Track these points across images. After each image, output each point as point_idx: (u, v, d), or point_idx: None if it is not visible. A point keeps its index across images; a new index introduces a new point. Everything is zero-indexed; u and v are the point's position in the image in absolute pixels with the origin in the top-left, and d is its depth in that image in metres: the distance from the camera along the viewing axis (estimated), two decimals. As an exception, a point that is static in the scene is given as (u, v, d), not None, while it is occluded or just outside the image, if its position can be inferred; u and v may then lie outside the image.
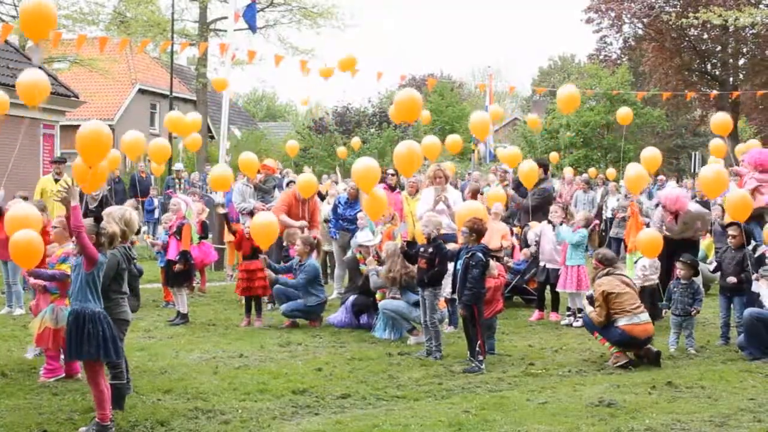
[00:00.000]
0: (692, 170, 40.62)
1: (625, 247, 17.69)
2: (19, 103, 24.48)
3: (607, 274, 10.58)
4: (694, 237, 13.64)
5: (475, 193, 15.88)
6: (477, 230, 10.24)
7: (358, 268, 13.37)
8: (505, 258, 14.00)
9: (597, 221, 14.17)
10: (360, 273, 13.22)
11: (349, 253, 14.55)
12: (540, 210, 15.14)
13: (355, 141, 27.03)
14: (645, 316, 10.39)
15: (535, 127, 30.67)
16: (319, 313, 12.90)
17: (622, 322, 10.25)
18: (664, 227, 13.21)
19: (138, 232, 8.98)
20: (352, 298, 12.81)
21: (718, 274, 12.04)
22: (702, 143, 55.86)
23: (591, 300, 10.65)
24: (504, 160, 17.15)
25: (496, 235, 13.68)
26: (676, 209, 13.21)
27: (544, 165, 16.82)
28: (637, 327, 10.23)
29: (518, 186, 16.57)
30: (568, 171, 26.19)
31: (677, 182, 31.61)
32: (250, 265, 12.93)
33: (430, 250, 10.67)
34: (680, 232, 13.15)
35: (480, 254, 10.04)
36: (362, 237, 13.58)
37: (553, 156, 35.98)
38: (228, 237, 16.18)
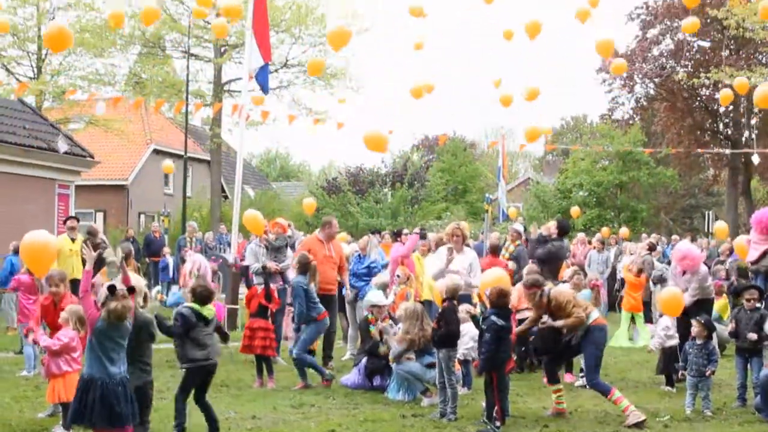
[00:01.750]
0: (705, 230, 40.58)
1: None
2: (35, 163, 24.78)
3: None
4: (708, 296, 13.57)
5: (495, 250, 15.83)
6: (498, 300, 10.21)
7: (369, 330, 13.28)
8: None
9: (599, 282, 14.16)
10: (370, 335, 13.08)
11: (370, 293, 14.34)
12: (548, 265, 15.07)
13: (307, 202, 26.54)
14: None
15: (514, 217, 30.80)
16: (320, 330, 12.85)
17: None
18: (677, 285, 13.16)
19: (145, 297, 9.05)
20: (365, 360, 12.73)
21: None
22: (715, 203, 55.89)
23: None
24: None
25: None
26: (690, 266, 13.16)
27: (562, 228, 16.73)
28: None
29: (536, 243, 16.56)
30: (580, 235, 26.17)
31: (692, 241, 31.56)
32: (253, 323, 12.86)
33: (440, 310, 10.66)
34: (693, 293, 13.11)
35: (494, 318, 9.98)
36: (375, 297, 13.48)
37: (575, 211, 35.98)
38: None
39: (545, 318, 10.59)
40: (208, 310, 9.37)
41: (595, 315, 10.84)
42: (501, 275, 12.41)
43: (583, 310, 10.62)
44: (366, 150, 11.87)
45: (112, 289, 7.67)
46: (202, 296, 9.40)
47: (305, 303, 12.66)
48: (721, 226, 24.32)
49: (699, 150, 40.71)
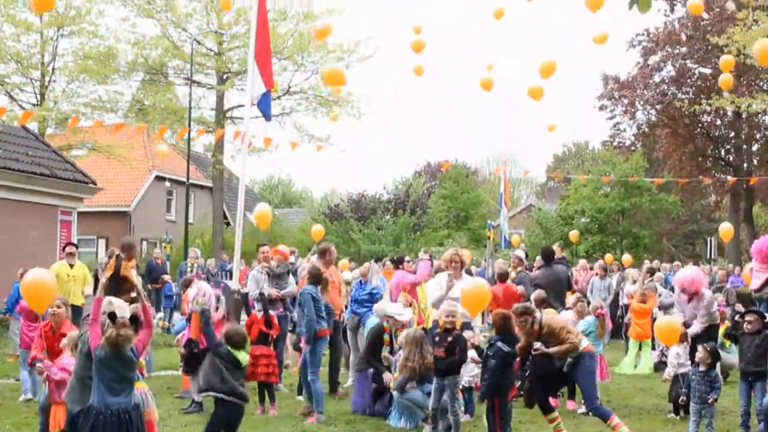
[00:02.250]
0: (708, 256, 40.45)
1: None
2: (37, 190, 24.80)
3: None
4: (714, 321, 13.57)
5: (504, 277, 15.75)
6: (502, 325, 10.18)
7: (381, 339, 13.08)
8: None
9: (603, 310, 14.11)
10: (383, 343, 12.91)
11: (372, 320, 14.20)
12: (552, 289, 15.04)
13: (316, 228, 26.36)
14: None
15: (516, 244, 30.81)
16: (321, 349, 12.76)
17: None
18: (683, 313, 13.15)
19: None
20: (372, 382, 12.63)
21: (737, 359, 11.95)
22: (717, 229, 55.82)
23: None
24: None
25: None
26: (693, 290, 13.14)
27: (544, 256, 16.70)
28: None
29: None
30: (582, 261, 26.16)
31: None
32: (255, 350, 12.65)
33: (449, 338, 10.61)
34: (693, 316, 13.10)
35: (500, 344, 9.94)
36: (393, 308, 13.33)
37: (573, 235, 35.90)
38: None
39: (538, 344, 10.55)
40: (243, 357, 9.44)
41: (585, 342, 10.83)
42: (481, 286, 12.32)
43: (575, 336, 10.62)
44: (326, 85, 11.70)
45: (112, 316, 7.67)
46: (236, 341, 9.47)
47: (313, 310, 12.46)
48: (725, 228, 24.11)
49: (701, 177, 40.67)
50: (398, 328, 12.75)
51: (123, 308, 8.31)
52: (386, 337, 12.90)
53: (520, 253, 20.12)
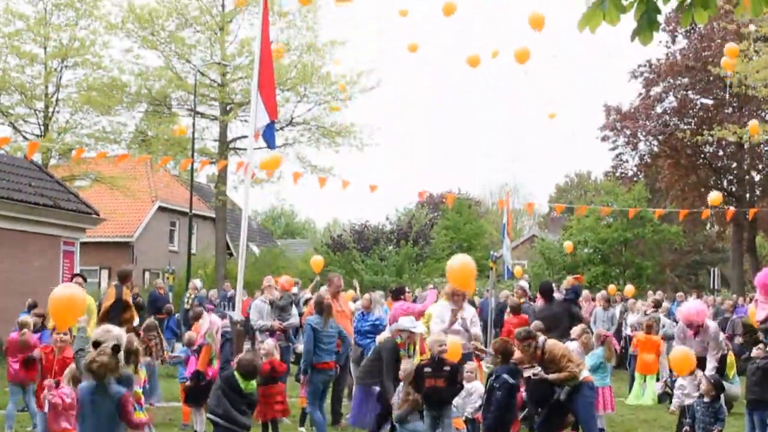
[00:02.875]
0: (711, 286, 40.44)
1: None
2: (40, 221, 24.81)
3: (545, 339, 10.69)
4: (723, 351, 13.53)
5: (516, 310, 15.65)
6: (503, 351, 10.14)
7: (398, 357, 12.41)
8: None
9: (609, 334, 14.03)
10: (399, 359, 12.70)
11: (384, 335, 14.00)
12: (551, 325, 14.96)
13: (315, 259, 26.05)
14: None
15: (519, 275, 30.73)
16: (322, 380, 12.67)
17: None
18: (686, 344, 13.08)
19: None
20: (377, 393, 12.53)
21: (739, 389, 11.93)
22: (720, 259, 55.82)
23: None
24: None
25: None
26: (696, 323, 13.10)
27: (541, 292, 16.55)
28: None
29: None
30: (585, 292, 26.06)
31: (697, 298, 31.43)
32: (268, 389, 12.26)
33: (447, 368, 10.54)
34: (701, 349, 13.03)
35: (506, 376, 9.88)
36: (406, 321, 13.13)
37: (568, 245, 35.80)
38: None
39: (537, 369, 10.51)
40: (250, 386, 9.43)
41: (585, 373, 10.79)
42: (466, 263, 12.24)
43: (576, 366, 10.58)
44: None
45: (95, 344, 7.60)
46: (245, 370, 9.47)
47: (311, 342, 12.48)
48: (713, 196, 23.86)
49: (703, 208, 40.64)
50: (412, 342, 12.63)
51: (120, 336, 8.28)
52: (402, 353, 12.82)
53: (524, 284, 20.09)
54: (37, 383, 10.58)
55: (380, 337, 13.81)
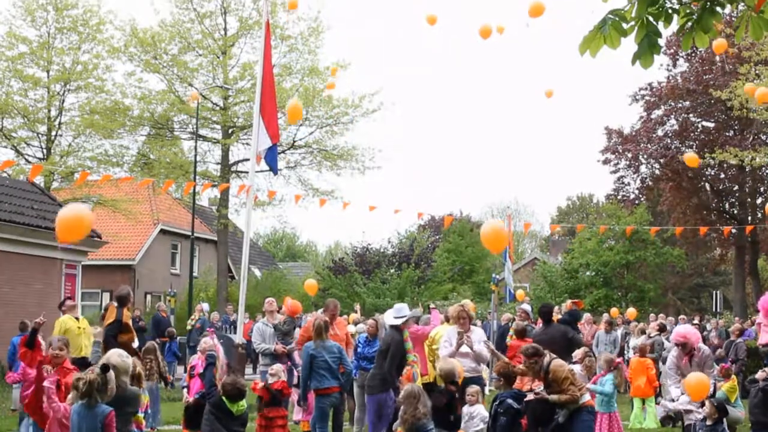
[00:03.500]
0: (713, 309, 40.32)
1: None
2: (42, 244, 24.81)
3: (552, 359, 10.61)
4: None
5: (521, 334, 15.52)
6: (505, 375, 10.11)
7: (404, 350, 12.83)
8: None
9: (620, 359, 14.00)
10: (405, 352, 12.74)
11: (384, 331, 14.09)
12: (556, 345, 14.90)
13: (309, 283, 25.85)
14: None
15: (521, 298, 30.69)
16: (321, 406, 12.57)
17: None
18: (682, 376, 13.00)
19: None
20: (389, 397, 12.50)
21: (742, 413, 11.91)
22: (723, 282, 55.76)
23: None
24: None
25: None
26: (695, 341, 13.03)
27: (541, 315, 16.43)
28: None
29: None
30: (586, 315, 26.02)
31: (700, 321, 31.42)
32: (270, 412, 12.22)
33: (447, 393, 10.54)
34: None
35: (509, 401, 9.84)
36: (389, 317, 13.34)
37: (520, 294, 35.82)
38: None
39: (539, 389, 10.47)
40: (240, 407, 9.44)
41: (587, 397, 10.75)
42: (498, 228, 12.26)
43: (578, 389, 10.54)
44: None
45: (105, 368, 7.64)
46: (230, 393, 9.49)
47: (307, 369, 12.44)
48: (689, 156, 23.47)
49: (705, 228, 40.68)
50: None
51: (125, 359, 8.29)
52: (408, 345, 12.80)
53: (527, 307, 20.00)
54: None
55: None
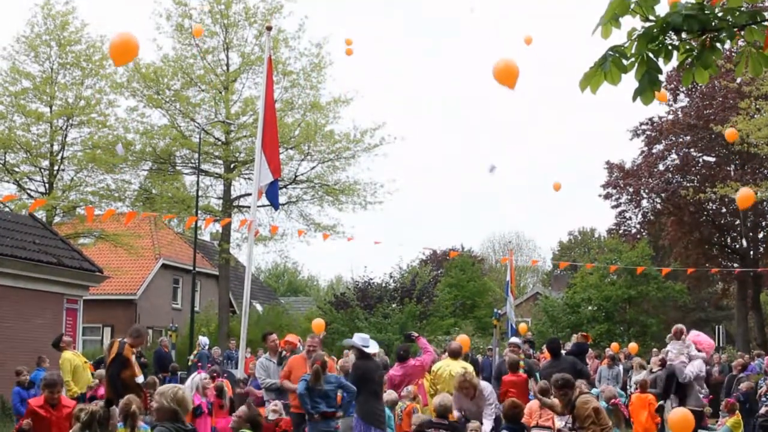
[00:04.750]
0: (716, 344, 40.21)
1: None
2: (44, 278, 24.81)
3: (581, 393, 10.47)
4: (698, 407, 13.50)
5: (514, 366, 15.47)
6: (510, 415, 10.09)
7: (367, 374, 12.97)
8: None
9: (618, 400, 13.95)
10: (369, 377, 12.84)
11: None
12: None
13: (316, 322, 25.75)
14: None
15: (524, 332, 30.62)
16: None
17: None
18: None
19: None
20: None
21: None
22: (725, 316, 55.60)
23: None
24: None
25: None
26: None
27: (549, 349, 16.38)
28: None
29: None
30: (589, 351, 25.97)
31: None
32: None
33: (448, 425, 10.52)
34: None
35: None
36: (357, 339, 13.34)
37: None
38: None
39: (562, 425, 10.40)
40: None
41: None
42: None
43: (602, 429, 10.36)
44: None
45: (109, 402, 7.67)
46: (256, 424, 9.49)
47: (303, 387, 12.39)
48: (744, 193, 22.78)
49: (707, 266, 40.71)
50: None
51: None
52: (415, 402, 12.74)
53: (516, 340, 19.80)
54: None
55: (385, 396, 13.77)
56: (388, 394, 13.79)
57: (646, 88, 5.76)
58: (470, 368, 13.86)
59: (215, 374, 17.30)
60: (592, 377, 21.86)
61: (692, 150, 44.94)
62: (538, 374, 15.69)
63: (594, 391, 13.23)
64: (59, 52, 33.97)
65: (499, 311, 30.76)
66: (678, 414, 12.21)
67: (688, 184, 43.05)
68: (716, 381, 23.84)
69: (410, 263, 51.28)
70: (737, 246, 46.54)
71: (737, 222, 45.97)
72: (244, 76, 36.09)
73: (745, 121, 31.96)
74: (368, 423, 12.37)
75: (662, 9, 5.71)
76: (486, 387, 13.06)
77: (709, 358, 13.66)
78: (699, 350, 14.75)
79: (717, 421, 17.56)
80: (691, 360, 15.04)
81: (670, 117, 44.43)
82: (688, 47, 5.85)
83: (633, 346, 29.78)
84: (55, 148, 34.09)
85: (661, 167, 45.41)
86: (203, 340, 27.95)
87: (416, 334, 15.88)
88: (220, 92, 35.34)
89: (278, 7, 35.65)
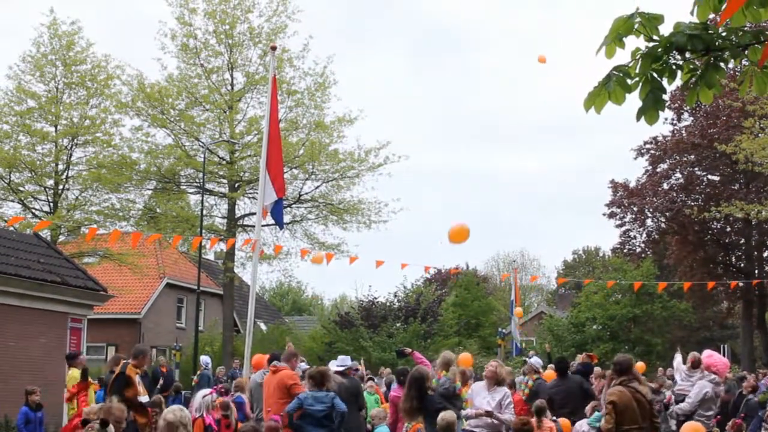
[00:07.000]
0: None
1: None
2: (48, 297, 24.79)
3: (620, 384, 10.34)
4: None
5: (510, 386, 15.40)
6: (520, 425, 10.07)
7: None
8: None
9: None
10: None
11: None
12: (565, 402, 14.78)
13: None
14: None
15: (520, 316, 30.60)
16: None
17: None
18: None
19: None
20: None
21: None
22: (730, 335, 55.43)
23: None
24: None
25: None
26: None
27: (557, 369, 16.30)
28: None
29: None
30: (595, 369, 25.83)
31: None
32: None
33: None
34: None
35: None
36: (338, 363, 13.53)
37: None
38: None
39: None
40: None
41: None
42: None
43: None
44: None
45: (104, 423, 7.64)
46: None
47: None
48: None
49: (712, 283, 40.59)
50: None
51: (122, 410, 8.26)
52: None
53: (536, 362, 19.72)
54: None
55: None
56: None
57: (650, 108, 5.76)
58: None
59: (223, 391, 17.24)
60: (598, 396, 21.75)
61: (696, 169, 44.98)
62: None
63: (596, 414, 13.14)
64: (65, 72, 34.09)
65: (504, 330, 30.74)
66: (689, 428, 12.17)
67: (692, 203, 43.06)
68: (723, 400, 23.72)
69: (414, 282, 51.22)
70: (742, 265, 46.48)
71: (742, 241, 45.95)
72: (248, 95, 36.16)
73: (750, 140, 31.97)
74: None
75: (666, 29, 5.73)
76: (508, 391, 13.03)
77: (723, 380, 13.46)
78: (714, 372, 14.62)
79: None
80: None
81: (675, 136, 44.47)
82: (692, 67, 5.86)
83: (641, 365, 29.65)
84: (60, 167, 34.16)
85: (665, 186, 45.43)
86: (205, 359, 27.89)
87: (409, 350, 15.81)
88: (225, 112, 35.37)
89: (283, 27, 35.73)
